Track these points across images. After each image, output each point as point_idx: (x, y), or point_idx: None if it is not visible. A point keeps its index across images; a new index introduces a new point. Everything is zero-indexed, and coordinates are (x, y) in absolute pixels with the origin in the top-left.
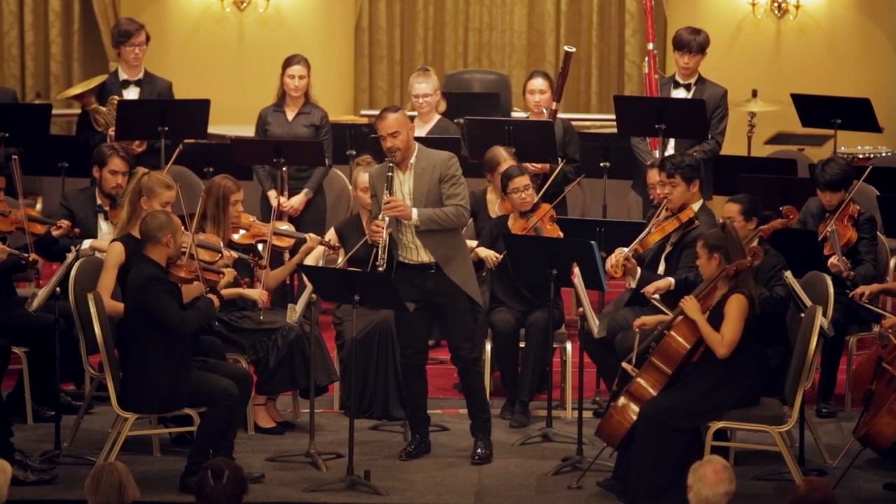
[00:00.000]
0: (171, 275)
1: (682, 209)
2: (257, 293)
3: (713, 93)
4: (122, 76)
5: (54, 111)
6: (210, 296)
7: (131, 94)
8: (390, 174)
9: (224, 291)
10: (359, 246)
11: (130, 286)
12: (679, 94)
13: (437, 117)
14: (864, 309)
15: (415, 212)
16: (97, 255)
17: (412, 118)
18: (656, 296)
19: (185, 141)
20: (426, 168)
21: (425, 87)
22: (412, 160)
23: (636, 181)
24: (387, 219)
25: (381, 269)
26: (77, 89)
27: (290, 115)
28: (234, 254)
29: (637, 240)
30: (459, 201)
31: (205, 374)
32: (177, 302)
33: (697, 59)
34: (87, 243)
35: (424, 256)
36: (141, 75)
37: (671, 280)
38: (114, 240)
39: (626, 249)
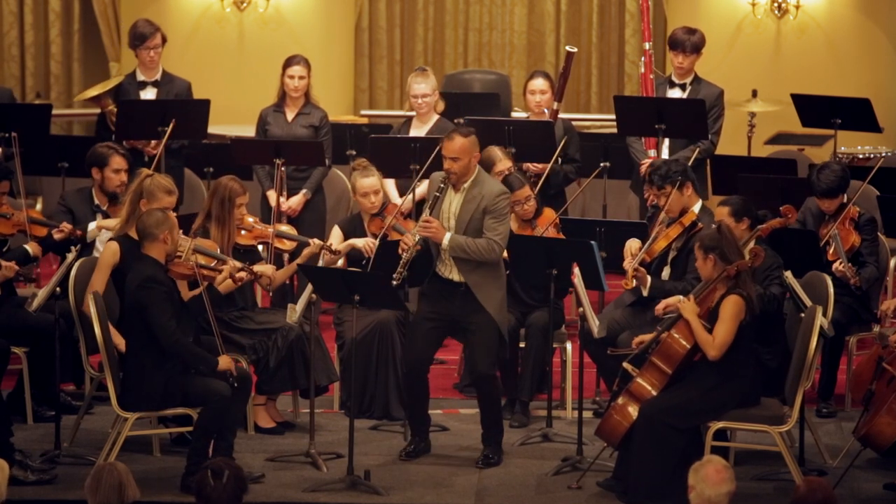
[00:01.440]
0: (171, 271)
1: (683, 213)
2: (270, 269)
3: (709, 92)
4: (140, 77)
5: (55, 111)
6: (221, 359)
7: (149, 94)
8: (438, 194)
9: (236, 276)
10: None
11: (130, 285)
12: (674, 93)
13: (435, 117)
14: (865, 310)
15: (447, 236)
16: (103, 234)
17: (410, 118)
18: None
19: (185, 141)
20: (475, 196)
21: (424, 87)
22: (466, 184)
23: (634, 181)
24: (418, 237)
25: (395, 283)
26: (94, 91)
27: (290, 115)
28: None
29: (644, 248)
30: (495, 236)
31: (199, 375)
32: (176, 304)
33: (692, 59)
34: (93, 224)
35: (456, 275)
36: (158, 76)
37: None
38: (110, 239)
39: (635, 243)
